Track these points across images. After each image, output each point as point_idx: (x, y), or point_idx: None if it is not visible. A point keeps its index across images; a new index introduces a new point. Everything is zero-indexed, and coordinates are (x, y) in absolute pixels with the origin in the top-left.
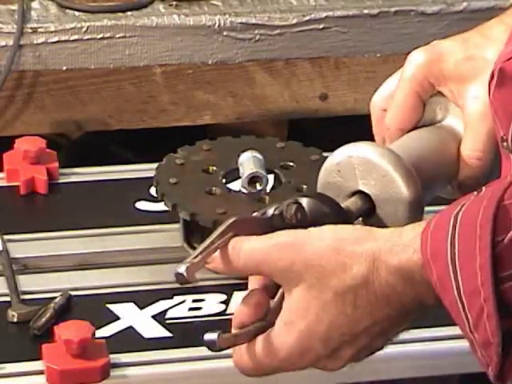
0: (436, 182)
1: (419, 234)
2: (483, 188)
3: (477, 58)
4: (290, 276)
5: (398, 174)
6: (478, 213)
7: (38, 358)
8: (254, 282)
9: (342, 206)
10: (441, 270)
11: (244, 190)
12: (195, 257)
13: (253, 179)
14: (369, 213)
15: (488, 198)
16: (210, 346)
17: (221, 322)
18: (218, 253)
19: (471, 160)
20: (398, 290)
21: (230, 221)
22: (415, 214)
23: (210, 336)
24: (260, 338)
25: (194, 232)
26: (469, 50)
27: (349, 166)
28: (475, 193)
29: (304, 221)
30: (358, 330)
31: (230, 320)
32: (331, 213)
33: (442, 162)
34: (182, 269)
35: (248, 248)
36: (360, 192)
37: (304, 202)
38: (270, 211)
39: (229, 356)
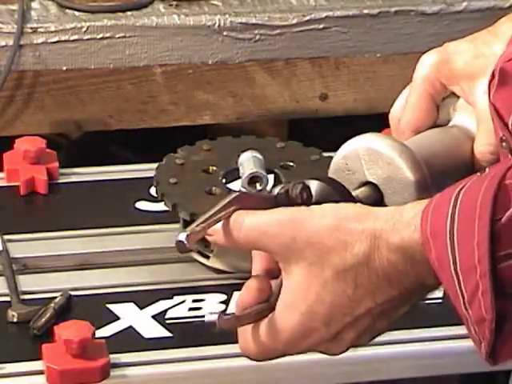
0: (448, 178)
1: (420, 212)
2: (486, 169)
3: (486, 54)
4: (289, 253)
5: (402, 160)
6: (478, 192)
7: (38, 358)
8: (257, 268)
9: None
10: (440, 249)
11: (244, 190)
12: (196, 226)
13: (253, 179)
14: (377, 202)
15: (490, 177)
16: (211, 327)
17: None
18: (219, 225)
19: (485, 155)
20: (399, 268)
21: (235, 194)
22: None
23: (211, 317)
24: (263, 322)
25: None
26: (478, 48)
27: (355, 157)
28: (478, 174)
29: (309, 201)
30: (360, 310)
31: None
32: (338, 197)
33: (455, 159)
34: (182, 236)
35: (249, 222)
36: (367, 183)
37: (312, 184)
38: (276, 190)
39: (229, 356)
